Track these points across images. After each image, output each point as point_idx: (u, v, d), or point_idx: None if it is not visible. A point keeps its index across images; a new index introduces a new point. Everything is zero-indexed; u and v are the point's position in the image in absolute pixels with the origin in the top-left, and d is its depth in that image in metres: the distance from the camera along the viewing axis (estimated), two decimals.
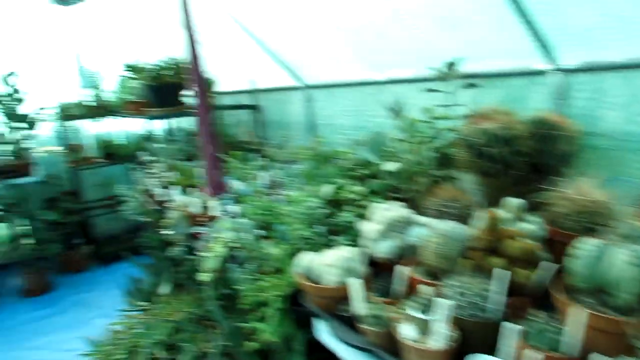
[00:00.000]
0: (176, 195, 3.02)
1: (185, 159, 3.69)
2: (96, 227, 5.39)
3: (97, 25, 5.00)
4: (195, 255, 2.71)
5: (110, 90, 5.05)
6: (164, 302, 3.08)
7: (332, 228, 1.90)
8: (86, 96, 5.02)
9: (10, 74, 4.57)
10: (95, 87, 4.97)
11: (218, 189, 2.58)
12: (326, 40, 3.26)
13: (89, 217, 5.30)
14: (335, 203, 2.08)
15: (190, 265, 2.93)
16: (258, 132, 4.12)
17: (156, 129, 4.89)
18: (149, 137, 4.77)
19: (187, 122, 4.38)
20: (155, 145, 4.22)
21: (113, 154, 5.10)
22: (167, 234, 2.62)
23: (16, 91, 4.64)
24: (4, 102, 4.59)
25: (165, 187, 3.24)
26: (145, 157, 4.30)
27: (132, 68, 3.66)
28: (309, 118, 3.74)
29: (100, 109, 4.87)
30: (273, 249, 1.85)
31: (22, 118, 4.71)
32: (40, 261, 4.71)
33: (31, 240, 4.76)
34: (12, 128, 4.74)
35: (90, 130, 5.31)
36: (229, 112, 4.22)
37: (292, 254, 1.81)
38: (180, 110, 3.86)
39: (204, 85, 2.59)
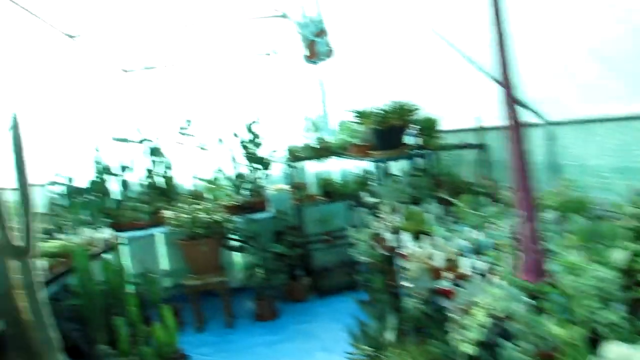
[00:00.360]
0: (408, 243, 2.93)
1: (409, 202, 3.62)
2: (314, 260, 5.73)
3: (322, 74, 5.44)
4: (433, 308, 2.55)
5: (332, 132, 5.41)
6: (393, 352, 2.98)
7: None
8: (311, 139, 5.46)
9: (254, 122, 5.25)
10: (319, 130, 5.36)
11: (538, 273, 1.83)
12: (576, 68, 2.83)
13: (309, 251, 5.67)
14: (629, 273, 1.68)
15: (420, 316, 2.79)
16: (484, 174, 3.83)
17: (373, 169, 5.00)
18: (367, 177, 4.90)
19: (406, 164, 4.34)
20: (376, 185, 4.28)
21: (332, 192, 5.40)
22: (404, 286, 2.52)
23: (256, 136, 5.31)
24: (247, 147, 5.29)
25: (394, 232, 3.20)
26: (367, 198, 4.40)
27: (359, 114, 3.80)
28: (549, 158, 3.30)
29: (323, 151, 5.22)
30: (556, 328, 1.55)
31: (260, 160, 5.35)
32: (268, 289, 5.19)
33: (262, 270, 5.29)
34: (251, 169, 5.42)
35: (313, 169, 5.74)
36: (452, 152, 4.04)
37: (586, 338, 1.48)
38: (402, 153, 3.84)
39: (519, 126, 1.94)
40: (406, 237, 3.03)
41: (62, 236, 4.13)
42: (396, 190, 3.81)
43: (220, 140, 5.43)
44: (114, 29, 4.52)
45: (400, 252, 2.93)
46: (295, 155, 5.35)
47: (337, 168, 5.89)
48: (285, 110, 5.67)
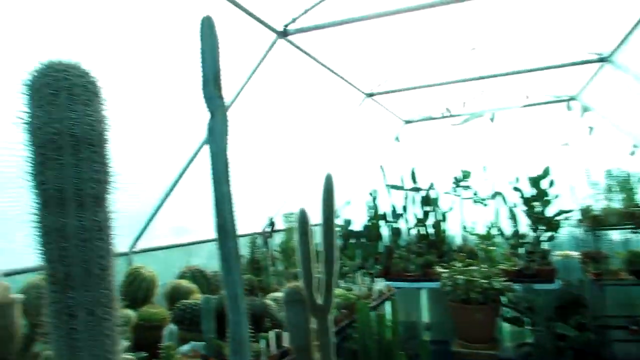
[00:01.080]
0: None
1: None
2: (611, 350, 4.60)
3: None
4: None
5: None
6: None
7: None
8: (614, 201, 4.44)
9: (541, 177, 4.56)
10: (629, 191, 4.31)
11: None
12: None
13: (603, 337, 4.59)
14: None
15: None
16: None
17: None
18: None
19: None
20: None
21: None
22: None
23: (544, 193, 4.60)
24: (531, 204, 4.62)
25: None
26: None
27: None
28: None
29: (634, 218, 4.15)
30: None
31: (546, 220, 4.60)
32: None
33: (539, 349, 4.52)
34: (534, 229, 4.71)
35: (617, 238, 4.67)
36: None
37: None
38: None
39: None
40: None
41: (341, 282, 4.29)
42: None
43: (499, 194, 4.91)
44: (401, 85, 4.63)
45: None
46: (593, 219, 4.40)
47: None
48: (583, 164, 4.77)
